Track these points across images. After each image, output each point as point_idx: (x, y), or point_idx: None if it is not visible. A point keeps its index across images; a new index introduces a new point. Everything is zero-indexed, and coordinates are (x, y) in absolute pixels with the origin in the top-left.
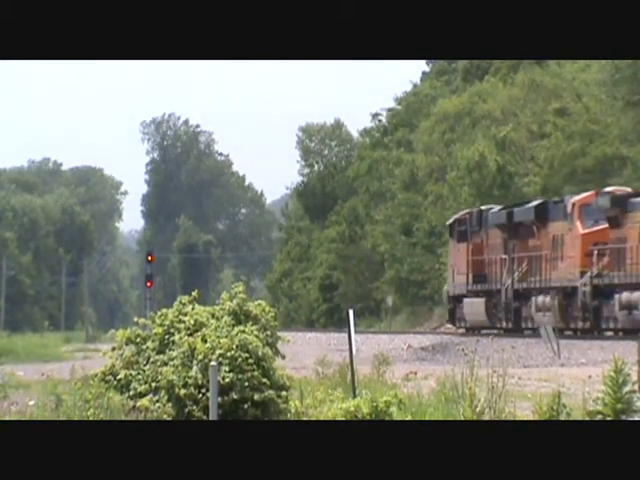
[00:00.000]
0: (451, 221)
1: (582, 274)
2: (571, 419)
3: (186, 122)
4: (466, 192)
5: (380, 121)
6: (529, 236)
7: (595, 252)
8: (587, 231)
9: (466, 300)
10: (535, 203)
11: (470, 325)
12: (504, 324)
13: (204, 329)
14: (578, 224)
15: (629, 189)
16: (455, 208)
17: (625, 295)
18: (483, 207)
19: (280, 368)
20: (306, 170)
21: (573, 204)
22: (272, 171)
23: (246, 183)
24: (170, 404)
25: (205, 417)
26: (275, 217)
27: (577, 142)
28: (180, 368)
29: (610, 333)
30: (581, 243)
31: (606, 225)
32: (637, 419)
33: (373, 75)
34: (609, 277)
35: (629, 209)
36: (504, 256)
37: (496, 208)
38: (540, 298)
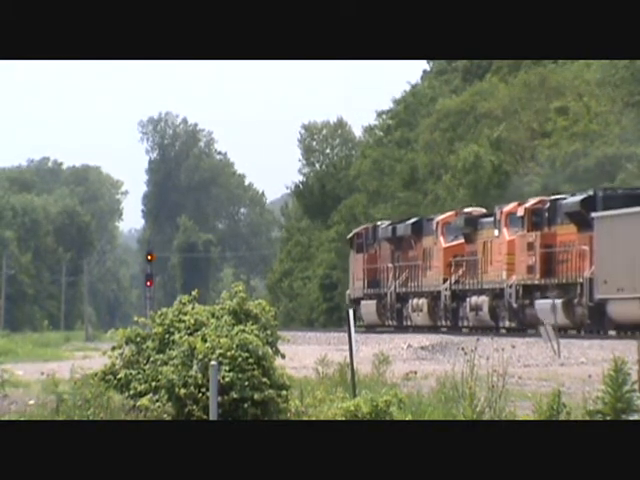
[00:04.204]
0: (351, 235)
1: (444, 281)
2: (571, 419)
3: (185, 121)
4: (462, 192)
5: (384, 119)
6: (409, 248)
7: (454, 263)
8: (448, 245)
9: (363, 302)
10: (412, 220)
11: (367, 323)
12: (390, 322)
13: (204, 328)
14: (441, 239)
15: (484, 210)
16: (453, 208)
17: (474, 299)
18: (378, 222)
19: (280, 367)
20: (306, 169)
21: (437, 222)
22: (272, 170)
23: (246, 182)
24: (170, 403)
25: (205, 416)
26: (275, 216)
27: (578, 142)
28: (180, 367)
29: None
30: (443, 255)
31: (463, 240)
32: (637, 419)
33: (376, 74)
34: (463, 284)
35: (479, 227)
36: (390, 265)
37: (385, 223)
38: (415, 300)
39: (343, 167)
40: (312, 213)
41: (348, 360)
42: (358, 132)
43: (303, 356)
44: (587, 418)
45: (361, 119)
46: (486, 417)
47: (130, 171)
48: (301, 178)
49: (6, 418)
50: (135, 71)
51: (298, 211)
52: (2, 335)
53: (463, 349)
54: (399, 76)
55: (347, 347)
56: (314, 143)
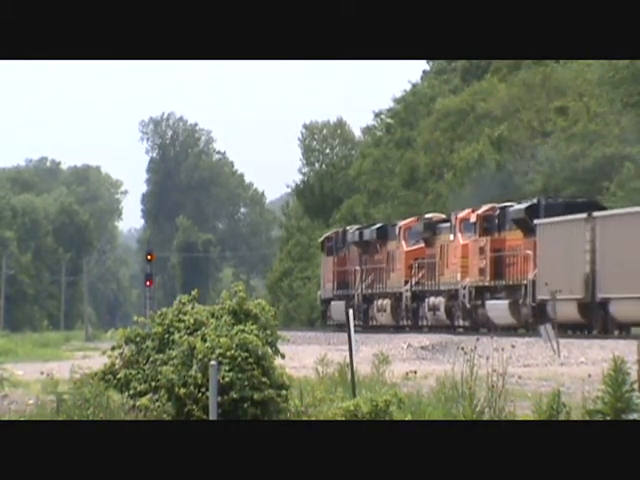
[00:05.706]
0: (322, 239)
1: (406, 282)
2: (571, 419)
3: (185, 121)
4: (465, 191)
5: (382, 120)
6: (375, 252)
7: (415, 265)
8: (409, 249)
9: (333, 303)
10: (377, 226)
11: (337, 323)
12: (357, 322)
13: (204, 328)
14: (403, 243)
15: (444, 216)
16: (454, 207)
17: (432, 299)
18: (348, 227)
19: (280, 367)
20: (306, 169)
21: (399, 227)
22: (272, 170)
23: (246, 182)
24: (170, 403)
25: (205, 416)
26: (275, 216)
27: (577, 143)
28: (180, 367)
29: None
30: (405, 258)
31: (423, 244)
32: (636, 418)
33: (376, 74)
34: (422, 285)
35: (437, 232)
36: (358, 267)
37: (354, 228)
38: (379, 301)
39: (343, 167)
40: (312, 212)
41: (348, 360)
42: (358, 132)
43: (303, 356)
44: (587, 418)
45: (361, 119)
46: (486, 417)
47: (130, 171)
48: (301, 177)
49: (6, 418)
50: (135, 71)
51: (299, 210)
52: (2, 335)
53: (463, 349)
54: (399, 76)
55: (347, 347)
56: (314, 143)
